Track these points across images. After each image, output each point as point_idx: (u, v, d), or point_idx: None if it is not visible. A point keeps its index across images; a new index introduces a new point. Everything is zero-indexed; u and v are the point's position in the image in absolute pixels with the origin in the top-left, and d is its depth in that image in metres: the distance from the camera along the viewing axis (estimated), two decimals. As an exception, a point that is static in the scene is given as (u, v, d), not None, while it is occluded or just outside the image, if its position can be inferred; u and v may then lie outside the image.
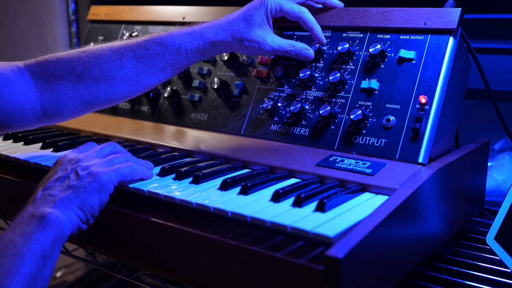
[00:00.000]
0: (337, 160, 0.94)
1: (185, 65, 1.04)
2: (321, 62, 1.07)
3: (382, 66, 1.00)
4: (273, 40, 1.03)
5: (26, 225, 0.76)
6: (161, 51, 1.01)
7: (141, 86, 1.03)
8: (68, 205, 0.81)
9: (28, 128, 1.04)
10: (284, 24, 1.12)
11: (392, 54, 1.00)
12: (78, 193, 0.82)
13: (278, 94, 1.09)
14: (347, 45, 1.03)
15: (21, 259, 0.73)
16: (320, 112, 1.01)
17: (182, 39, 1.02)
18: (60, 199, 0.81)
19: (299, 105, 1.03)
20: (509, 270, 0.91)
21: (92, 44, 1.41)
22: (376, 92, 0.99)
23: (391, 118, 0.96)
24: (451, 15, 0.97)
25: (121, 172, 0.87)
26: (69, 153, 0.91)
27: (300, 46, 1.05)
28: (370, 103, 0.99)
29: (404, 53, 0.98)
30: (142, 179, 0.92)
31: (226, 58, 1.16)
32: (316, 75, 1.07)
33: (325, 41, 1.06)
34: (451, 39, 0.96)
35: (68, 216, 0.80)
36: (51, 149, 1.12)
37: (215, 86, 1.15)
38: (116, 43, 1.03)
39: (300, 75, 1.05)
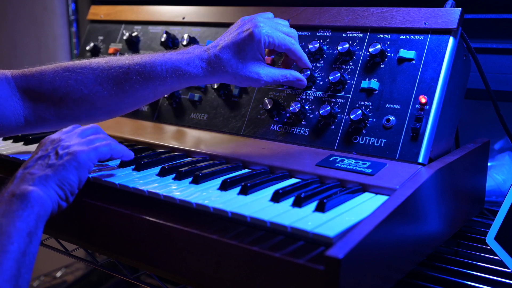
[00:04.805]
0: (337, 160, 0.94)
1: (175, 90, 1.04)
2: (321, 62, 1.07)
3: (382, 66, 1.00)
4: (267, 73, 1.00)
5: (8, 205, 0.78)
6: (148, 79, 0.98)
7: (124, 110, 1.04)
8: (47, 182, 0.83)
9: (11, 135, 1.05)
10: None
11: (392, 54, 1.00)
12: (57, 171, 0.84)
13: (278, 94, 1.09)
14: (347, 45, 1.03)
15: (8, 237, 0.74)
16: (320, 112, 1.01)
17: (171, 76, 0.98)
18: (39, 177, 0.82)
19: (299, 105, 1.03)
20: (509, 270, 0.91)
21: (93, 43, 1.41)
22: (376, 92, 0.99)
23: (391, 118, 0.96)
24: (451, 15, 0.97)
25: (101, 151, 0.89)
26: (52, 135, 0.93)
27: (293, 76, 1.03)
28: (370, 103, 0.99)
29: (404, 53, 0.98)
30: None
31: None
32: (316, 75, 1.06)
33: (311, 66, 1.05)
34: (451, 39, 0.96)
35: (48, 193, 0.82)
36: (51, 149, 1.11)
37: (215, 86, 1.15)
38: (101, 65, 1.00)
39: (300, 75, 1.06)
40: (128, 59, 1.00)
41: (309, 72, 1.05)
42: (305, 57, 1.05)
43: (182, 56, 0.99)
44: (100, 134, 0.95)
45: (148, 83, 0.98)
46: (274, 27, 1.01)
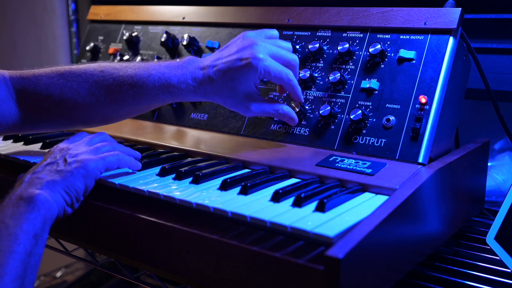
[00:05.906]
0: (337, 160, 0.94)
1: (169, 103, 1.03)
2: (321, 62, 1.07)
3: (382, 66, 1.00)
4: (259, 106, 0.99)
5: (15, 207, 0.79)
6: (140, 94, 0.98)
7: (118, 119, 1.04)
8: (55, 187, 0.84)
9: (10, 134, 1.06)
10: (284, 23, 1.12)
11: (392, 54, 1.00)
12: (65, 177, 0.85)
13: (278, 94, 1.09)
14: (347, 45, 1.03)
15: (15, 238, 0.75)
16: (320, 112, 1.01)
17: (163, 95, 0.98)
18: (47, 182, 0.84)
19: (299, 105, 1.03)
20: (509, 270, 0.91)
21: (93, 43, 1.41)
22: (376, 92, 0.99)
23: (391, 118, 0.96)
24: (451, 15, 0.97)
25: (108, 160, 0.90)
26: (60, 144, 0.94)
27: (284, 111, 1.01)
28: (370, 103, 0.99)
29: (404, 53, 0.98)
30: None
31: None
32: (316, 75, 1.07)
33: (303, 100, 1.04)
34: (451, 39, 0.96)
35: (55, 198, 0.83)
36: (51, 149, 1.11)
37: (215, 86, 1.15)
38: (96, 74, 1.00)
39: (300, 75, 1.06)
40: (122, 69, 1.00)
41: (309, 74, 1.05)
42: (298, 90, 1.01)
43: (176, 72, 0.98)
44: (108, 141, 0.97)
45: (141, 98, 0.99)
46: (275, 56, 0.98)
